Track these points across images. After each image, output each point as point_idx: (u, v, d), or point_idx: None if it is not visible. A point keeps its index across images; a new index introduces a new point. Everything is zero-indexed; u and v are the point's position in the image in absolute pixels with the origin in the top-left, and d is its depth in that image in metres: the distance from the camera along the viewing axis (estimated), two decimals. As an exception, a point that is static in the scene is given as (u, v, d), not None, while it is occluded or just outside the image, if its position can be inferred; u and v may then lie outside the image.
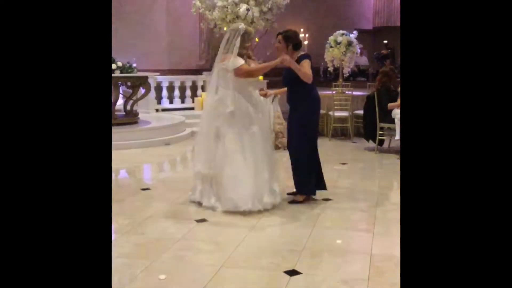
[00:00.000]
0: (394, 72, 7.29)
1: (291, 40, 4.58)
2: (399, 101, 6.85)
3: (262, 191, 4.45)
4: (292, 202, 4.69)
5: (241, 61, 4.50)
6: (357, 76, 11.93)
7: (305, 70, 4.43)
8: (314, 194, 4.76)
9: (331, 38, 8.56)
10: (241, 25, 4.64)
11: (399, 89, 7.04)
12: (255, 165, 4.43)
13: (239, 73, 4.48)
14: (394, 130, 7.00)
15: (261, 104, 4.82)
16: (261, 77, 5.83)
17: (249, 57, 4.74)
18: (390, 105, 6.97)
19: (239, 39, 4.51)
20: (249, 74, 4.55)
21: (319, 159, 4.76)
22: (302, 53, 4.61)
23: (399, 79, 7.38)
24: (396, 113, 6.85)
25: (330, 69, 8.91)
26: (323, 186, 4.80)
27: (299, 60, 4.50)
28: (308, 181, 4.67)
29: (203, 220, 4.18)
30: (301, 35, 7.87)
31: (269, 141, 4.81)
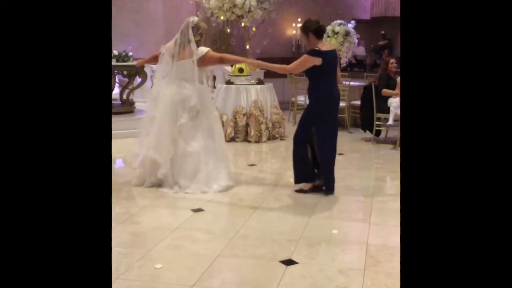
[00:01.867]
0: (386, 61, 7.33)
1: (307, 29, 4.53)
2: (397, 90, 6.85)
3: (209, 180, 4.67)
4: (299, 191, 4.71)
5: (206, 48, 4.64)
6: (354, 66, 11.87)
7: (278, 66, 4.66)
8: (305, 181, 4.71)
9: (328, 27, 8.49)
10: (192, 18, 4.79)
11: (397, 78, 7.04)
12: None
13: (209, 59, 4.61)
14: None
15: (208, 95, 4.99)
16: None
17: None
18: (384, 91, 6.96)
19: (190, 31, 4.66)
20: (220, 60, 4.68)
21: (310, 152, 4.67)
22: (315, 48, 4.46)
23: (398, 70, 7.38)
24: (392, 102, 6.86)
25: (328, 59, 8.86)
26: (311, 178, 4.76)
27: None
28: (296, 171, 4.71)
29: (199, 210, 4.18)
30: (298, 25, 7.82)
31: (214, 133, 4.82)
